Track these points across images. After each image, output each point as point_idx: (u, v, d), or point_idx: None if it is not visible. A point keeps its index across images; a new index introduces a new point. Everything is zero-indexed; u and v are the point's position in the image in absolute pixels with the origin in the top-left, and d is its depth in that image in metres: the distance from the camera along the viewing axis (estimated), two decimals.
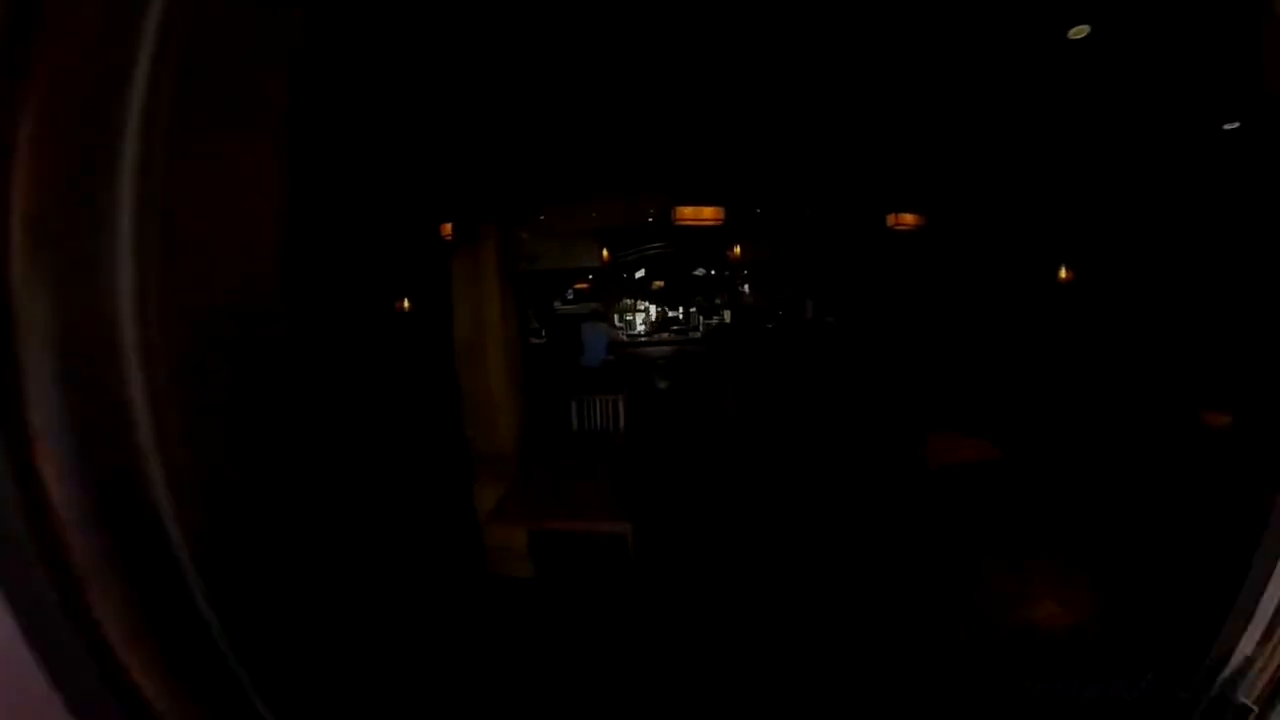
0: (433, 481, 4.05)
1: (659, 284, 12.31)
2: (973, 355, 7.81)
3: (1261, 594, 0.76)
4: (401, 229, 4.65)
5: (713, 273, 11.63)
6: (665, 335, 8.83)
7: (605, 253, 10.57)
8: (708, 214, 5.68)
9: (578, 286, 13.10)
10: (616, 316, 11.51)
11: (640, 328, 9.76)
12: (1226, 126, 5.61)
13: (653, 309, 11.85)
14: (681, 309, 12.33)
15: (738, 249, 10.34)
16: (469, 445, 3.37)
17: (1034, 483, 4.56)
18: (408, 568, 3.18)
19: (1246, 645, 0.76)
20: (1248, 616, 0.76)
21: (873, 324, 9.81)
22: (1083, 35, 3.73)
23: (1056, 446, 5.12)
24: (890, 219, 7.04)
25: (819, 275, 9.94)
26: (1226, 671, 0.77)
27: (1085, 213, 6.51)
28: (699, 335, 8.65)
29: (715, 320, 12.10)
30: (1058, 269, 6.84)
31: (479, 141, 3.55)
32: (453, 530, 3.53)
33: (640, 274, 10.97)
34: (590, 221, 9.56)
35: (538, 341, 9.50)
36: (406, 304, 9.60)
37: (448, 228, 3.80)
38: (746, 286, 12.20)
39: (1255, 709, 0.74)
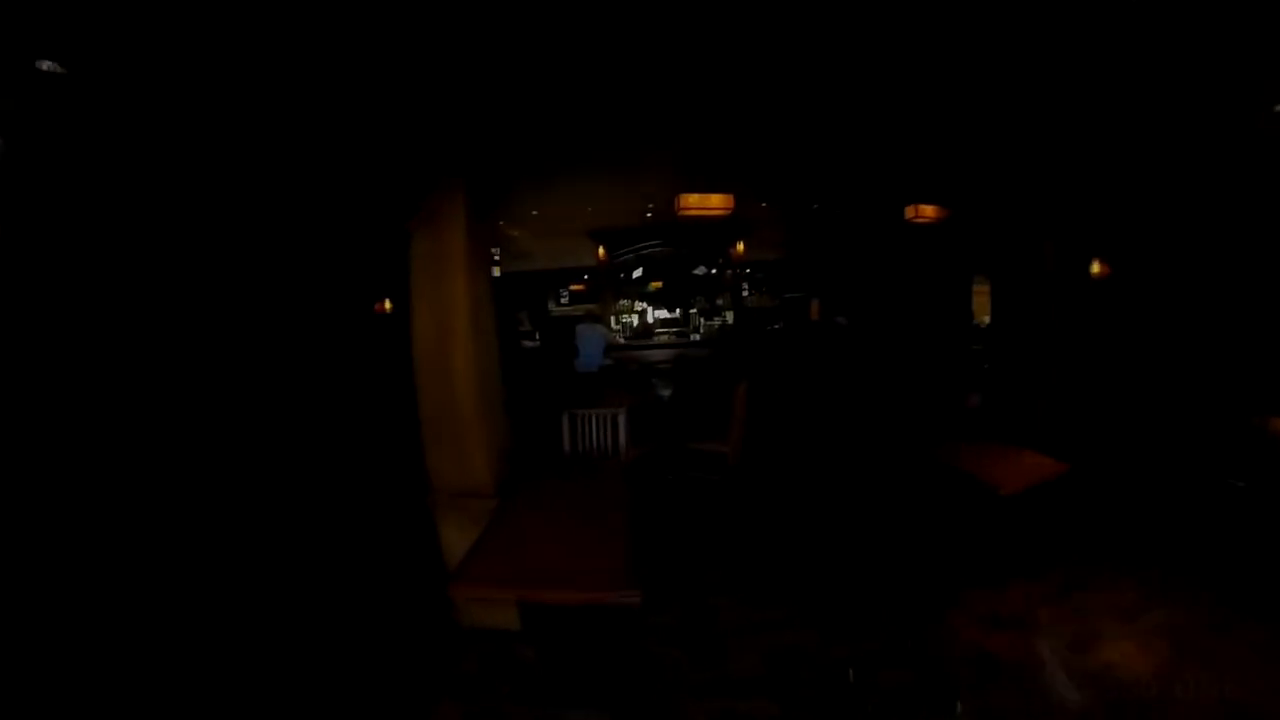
0: (380, 524, 3.43)
1: (657, 284, 11.76)
2: (1002, 358, 7.25)
3: None
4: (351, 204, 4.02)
5: (713, 272, 11.06)
6: (665, 338, 8.27)
7: (601, 251, 9.99)
8: (715, 202, 5.11)
9: (573, 288, 12.54)
10: (614, 319, 10.93)
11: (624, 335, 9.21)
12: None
13: (650, 310, 11.28)
14: (680, 310, 11.77)
15: (740, 246, 9.78)
16: (428, 479, 2.77)
17: (1108, 499, 4.01)
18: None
19: None
20: None
21: (887, 325, 9.26)
22: None
23: (1115, 456, 4.58)
24: (909, 211, 6.48)
25: (828, 273, 9.37)
26: None
27: (1122, 201, 5.96)
28: (699, 337, 8.08)
29: (717, 322, 11.54)
30: (1089, 263, 6.29)
31: (445, 77, 2.93)
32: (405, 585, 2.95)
33: (638, 274, 10.39)
34: (585, 218, 8.98)
35: (531, 345, 8.91)
36: (388, 305, 8.98)
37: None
38: (749, 286, 11.66)
39: None
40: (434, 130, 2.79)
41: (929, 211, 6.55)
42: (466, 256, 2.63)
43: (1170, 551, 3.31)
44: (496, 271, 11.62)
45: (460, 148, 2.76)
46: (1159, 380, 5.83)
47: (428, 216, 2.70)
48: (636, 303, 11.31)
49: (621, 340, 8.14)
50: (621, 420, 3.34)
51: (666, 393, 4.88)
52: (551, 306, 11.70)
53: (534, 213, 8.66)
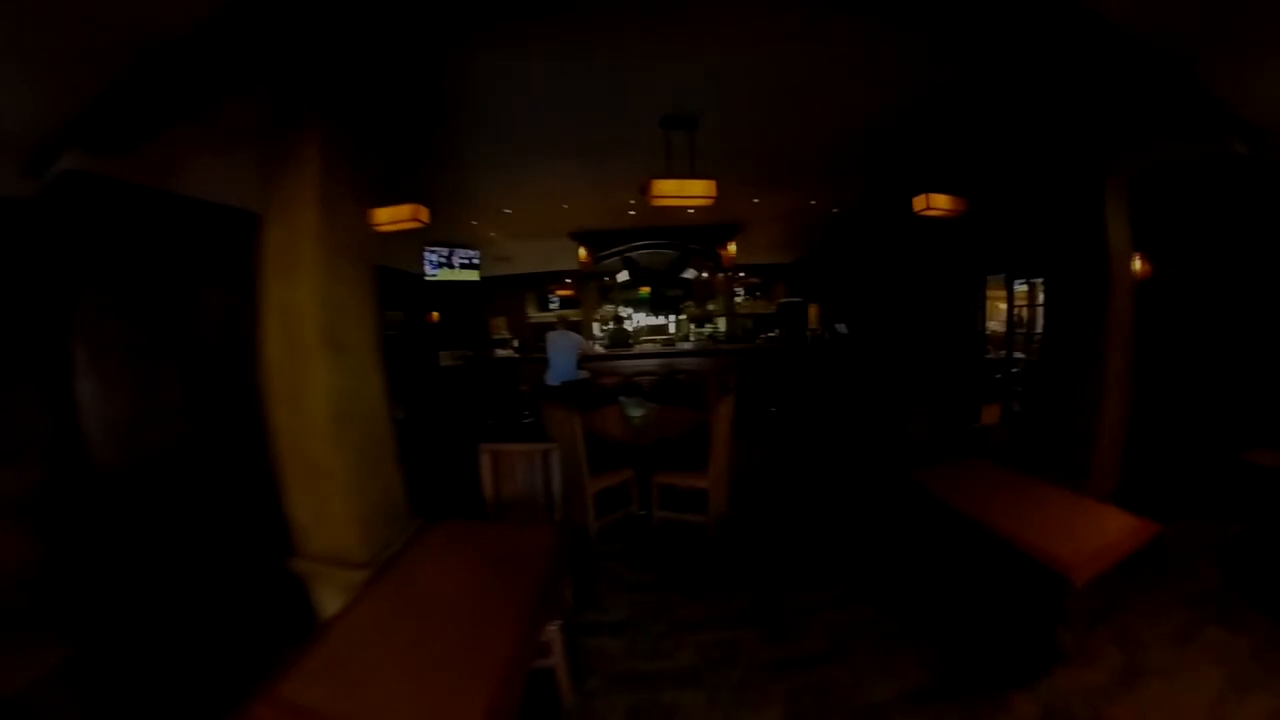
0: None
1: (645, 290, 11.05)
2: (1053, 368, 6.50)
3: None
4: None
5: (704, 275, 10.33)
6: (650, 346, 7.54)
7: (583, 252, 9.28)
8: (696, 190, 4.37)
9: (560, 293, 11.83)
10: (596, 325, 10.20)
11: (599, 347, 8.32)
12: None
13: (635, 317, 10.56)
14: (668, 316, 11.04)
15: (732, 247, 9.07)
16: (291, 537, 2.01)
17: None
18: None
19: None
20: None
21: (892, 332, 8.53)
22: None
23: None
24: (918, 203, 5.78)
25: (827, 276, 8.64)
26: None
27: (1162, 189, 5.24)
28: (691, 345, 7.35)
29: (708, 329, 10.82)
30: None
31: None
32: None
33: (623, 277, 9.67)
34: (563, 216, 8.27)
35: (506, 354, 8.18)
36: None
37: None
38: (743, 291, 10.95)
39: None
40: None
41: (942, 203, 5.83)
42: (321, 244, 1.89)
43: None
44: (474, 275, 10.94)
45: (308, 63, 1.94)
46: (1219, 392, 5.06)
47: (281, 185, 1.96)
48: (621, 308, 10.57)
49: (600, 349, 7.40)
50: (554, 461, 2.59)
51: (637, 413, 4.12)
52: (532, 312, 10.97)
53: (506, 210, 7.96)
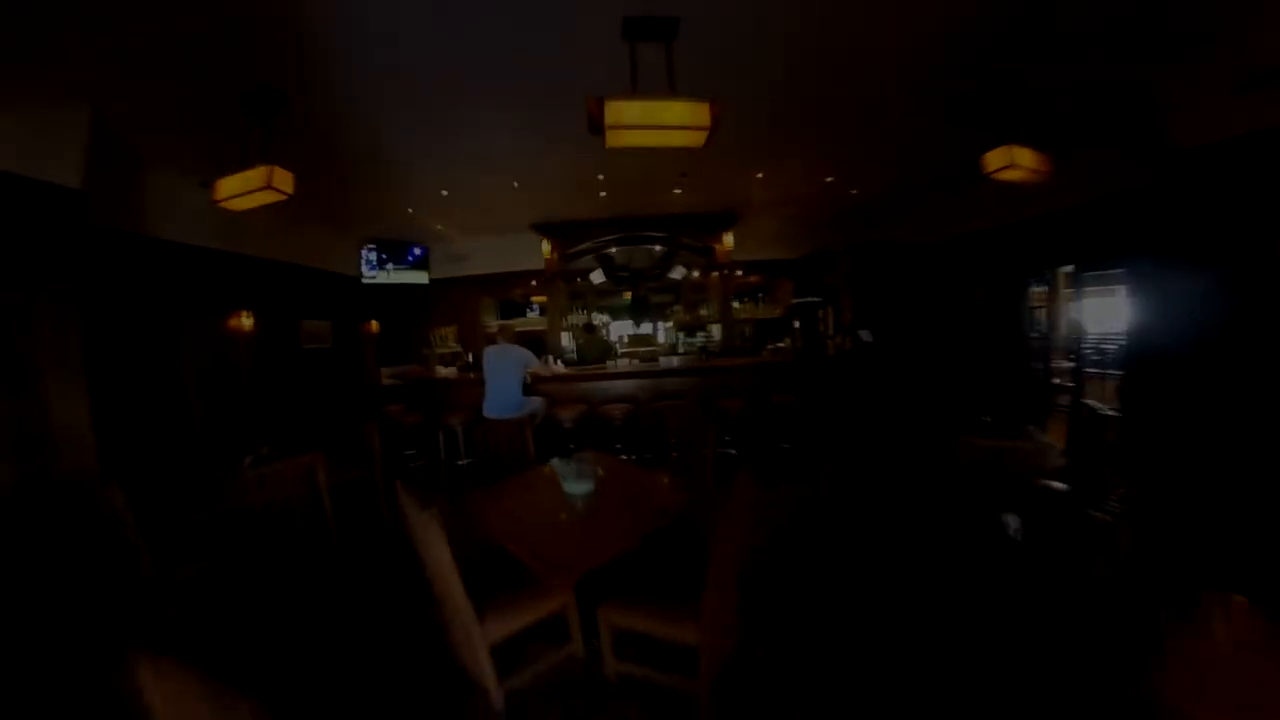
0: None
1: (626, 294, 9.37)
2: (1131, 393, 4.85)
3: None
4: None
5: (694, 274, 8.64)
6: (625, 364, 5.83)
7: (547, 248, 7.58)
8: (677, 116, 2.67)
9: (536, 298, 10.10)
10: (566, 336, 8.49)
11: (558, 365, 6.34)
12: None
13: (615, 324, 8.86)
14: (655, 324, 9.34)
15: (728, 239, 7.41)
16: None
17: None
18: None
19: None
20: None
21: (928, 340, 6.87)
22: None
23: None
24: (996, 159, 4.15)
25: (847, 273, 6.97)
26: None
27: None
28: (679, 361, 5.66)
29: (700, 338, 9.14)
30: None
31: None
32: None
33: (598, 277, 7.99)
34: (516, 198, 6.56)
35: (447, 374, 6.43)
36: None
37: None
38: (746, 294, 9.28)
39: None
40: None
41: (1027, 160, 4.18)
42: None
43: None
44: (422, 277, 9.23)
45: None
46: None
47: None
48: (596, 315, 8.86)
49: (561, 368, 5.70)
50: None
51: (579, 489, 2.40)
52: (490, 320, 9.25)
53: (443, 192, 6.26)
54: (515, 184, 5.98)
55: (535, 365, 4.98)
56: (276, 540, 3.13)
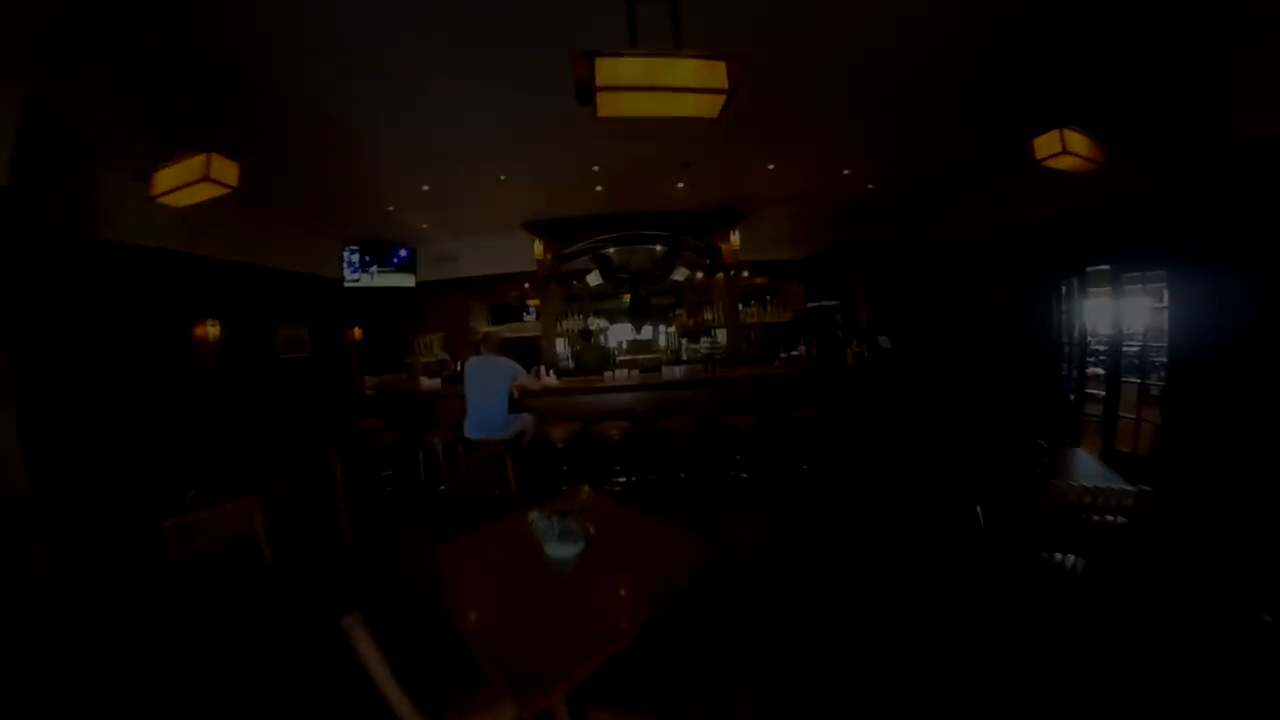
0: None
1: (625, 296, 8.82)
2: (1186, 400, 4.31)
3: None
4: None
5: (698, 275, 8.09)
6: (628, 375, 5.29)
7: (539, 247, 7.04)
8: (685, 76, 2.15)
9: (532, 302, 9.55)
10: (561, 342, 7.94)
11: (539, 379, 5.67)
12: None
13: (613, 329, 8.30)
14: (656, 329, 8.78)
15: (735, 238, 6.86)
16: None
17: None
18: None
19: None
20: None
21: (952, 346, 6.33)
22: None
23: None
24: (1046, 145, 3.61)
25: (861, 274, 6.43)
26: None
27: None
28: (682, 373, 5.11)
29: (704, 344, 8.60)
30: None
31: None
32: None
33: (594, 279, 7.44)
34: (505, 193, 6.02)
35: (432, 386, 5.87)
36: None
37: None
38: (751, 297, 8.74)
39: None
40: None
41: (1081, 146, 3.64)
42: None
43: None
44: (408, 280, 8.68)
45: None
46: None
47: None
48: (592, 320, 8.30)
49: (553, 380, 5.15)
50: None
51: (564, 552, 1.83)
52: (481, 326, 8.69)
53: (424, 187, 5.72)
54: (502, 177, 5.44)
55: (523, 378, 4.42)
56: (206, 597, 2.58)
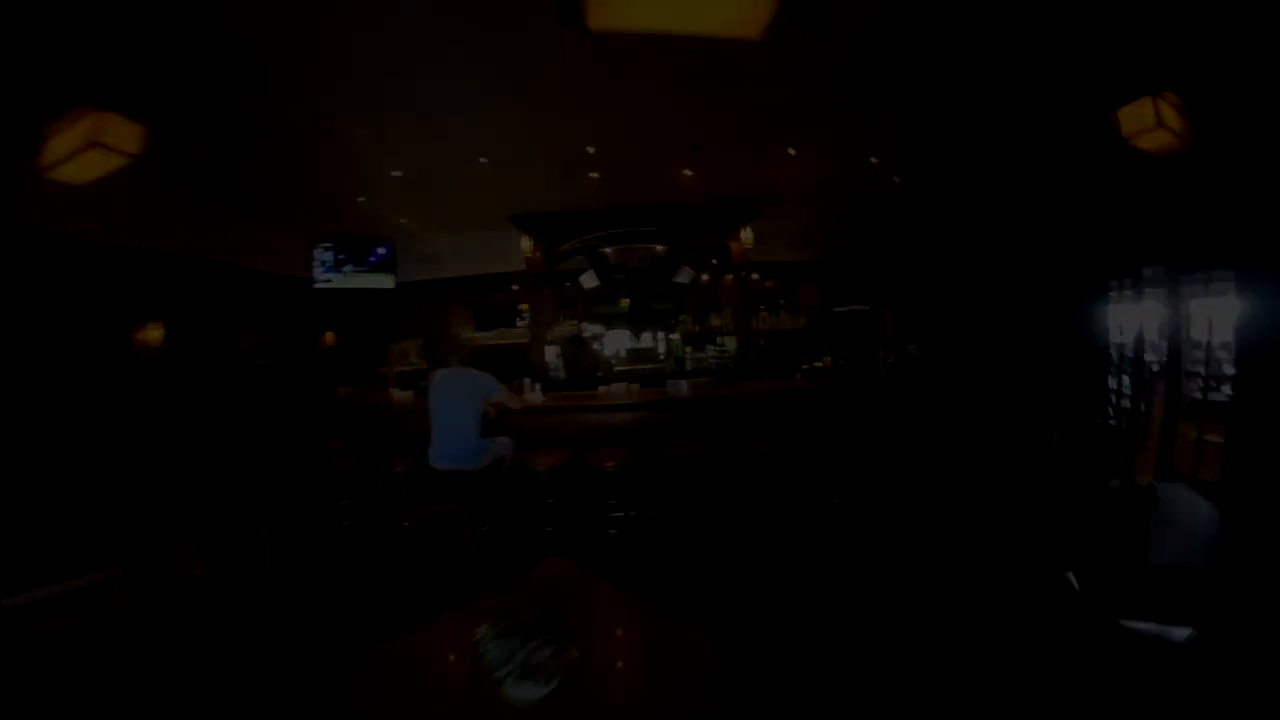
0: None
1: (625, 301, 8.11)
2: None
3: None
4: None
5: (705, 277, 7.38)
6: (625, 389, 4.55)
7: (528, 245, 6.31)
8: None
9: (521, 306, 8.78)
10: (551, 351, 7.20)
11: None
12: None
13: (610, 335, 7.53)
14: (657, 336, 8.02)
15: (747, 235, 6.16)
16: None
17: None
18: None
19: None
20: None
21: (988, 357, 5.60)
22: None
23: None
24: (1135, 118, 2.92)
25: (893, 270, 5.72)
26: None
27: None
28: (686, 389, 4.38)
29: (711, 352, 7.87)
30: None
31: None
32: None
33: (589, 281, 6.73)
34: (487, 178, 5.30)
35: (405, 398, 5.12)
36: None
37: None
38: (763, 301, 8.02)
39: None
40: None
41: (1174, 119, 2.95)
42: None
43: None
44: (387, 281, 7.95)
45: None
46: None
47: None
48: (586, 325, 7.55)
49: (539, 397, 4.41)
50: None
51: (527, 693, 1.07)
52: (466, 332, 7.95)
53: (395, 173, 5.00)
54: (483, 159, 4.72)
55: (500, 394, 3.68)
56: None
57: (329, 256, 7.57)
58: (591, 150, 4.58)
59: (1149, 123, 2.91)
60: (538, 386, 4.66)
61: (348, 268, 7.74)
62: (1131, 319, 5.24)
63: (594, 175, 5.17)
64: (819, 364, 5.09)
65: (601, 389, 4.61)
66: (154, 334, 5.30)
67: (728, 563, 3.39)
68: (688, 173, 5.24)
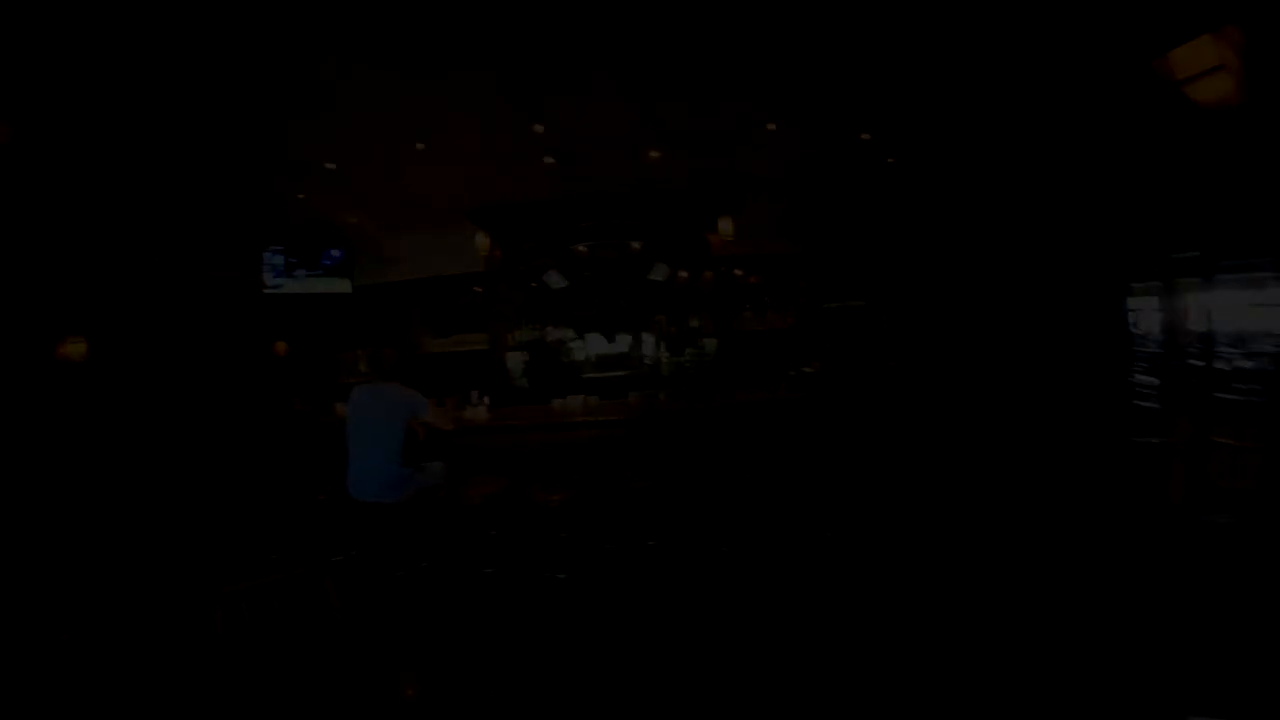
0: None
1: (594, 301, 7.52)
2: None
3: None
4: None
5: (683, 274, 6.81)
6: (582, 404, 3.97)
7: (485, 242, 5.73)
8: None
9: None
10: (514, 357, 6.61)
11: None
12: None
13: (574, 341, 6.91)
14: (629, 338, 7.42)
15: (726, 226, 5.59)
16: None
17: None
18: None
19: None
20: None
21: (999, 356, 5.04)
22: None
23: None
24: (1188, 58, 2.38)
25: (883, 264, 5.18)
26: None
27: None
28: (651, 406, 3.82)
29: (689, 355, 7.31)
30: None
31: None
32: None
33: (555, 280, 6.16)
34: (438, 170, 4.73)
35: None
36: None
37: None
38: (746, 297, 7.45)
39: None
40: None
41: (1236, 62, 2.40)
42: None
43: None
44: (343, 285, 7.36)
45: None
46: None
47: None
48: (552, 330, 6.95)
49: (481, 412, 3.83)
50: None
51: None
52: (428, 341, 7.37)
53: (328, 165, 4.43)
54: (419, 145, 4.14)
55: (426, 414, 3.11)
56: None
57: (279, 260, 6.98)
58: (540, 128, 4.00)
59: (1210, 63, 2.36)
60: (485, 400, 4.08)
61: (300, 272, 7.16)
62: (1158, 313, 4.75)
63: (548, 160, 4.58)
64: (807, 369, 4.54)
65: (556, 402, 4.03)
66: (76, 347, 4.72)
67: (698, 616, 2.81)
68: (655, 155, 4.68)
